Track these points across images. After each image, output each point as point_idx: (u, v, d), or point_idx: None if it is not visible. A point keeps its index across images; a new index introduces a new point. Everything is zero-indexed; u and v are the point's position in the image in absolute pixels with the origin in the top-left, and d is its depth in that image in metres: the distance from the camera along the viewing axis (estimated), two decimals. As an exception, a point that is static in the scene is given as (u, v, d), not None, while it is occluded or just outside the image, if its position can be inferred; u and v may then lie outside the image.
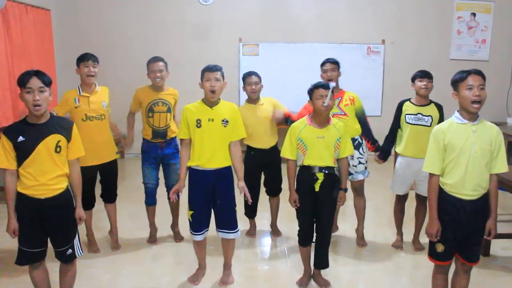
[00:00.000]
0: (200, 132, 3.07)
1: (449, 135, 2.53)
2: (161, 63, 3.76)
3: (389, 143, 3.91)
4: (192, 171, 3.15)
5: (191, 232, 3.22)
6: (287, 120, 3.84)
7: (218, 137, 3.08)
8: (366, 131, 3.86)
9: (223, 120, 3.07)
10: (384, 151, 3.90)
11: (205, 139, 3.07)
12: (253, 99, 3.96)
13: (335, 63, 3.78)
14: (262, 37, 7.11)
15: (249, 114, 3.91)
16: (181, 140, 3.19)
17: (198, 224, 3.18)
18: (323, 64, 3.82)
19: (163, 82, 3.80)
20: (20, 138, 2.49)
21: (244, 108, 3.99)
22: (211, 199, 3.16)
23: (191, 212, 3.17)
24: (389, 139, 3.90)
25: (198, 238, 3.22)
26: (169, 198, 3.95)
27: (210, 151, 3.07)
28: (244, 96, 6.71)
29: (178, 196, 3.59)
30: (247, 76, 3.96)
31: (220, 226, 3.22)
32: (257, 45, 7.11)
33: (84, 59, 3.56)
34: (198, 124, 3.06)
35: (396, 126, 3.83)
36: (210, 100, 3.08)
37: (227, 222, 3.20)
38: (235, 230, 3.22)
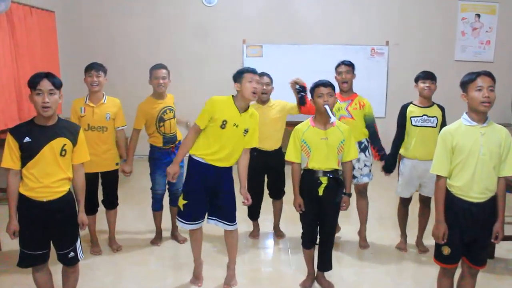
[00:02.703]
0: (222, 133, 3.01)
1: (457, 137, 2.51)
2: (164, 71, 3.79)
3: (394, 155, 3.82)
4: (195, 162, 3.09)
5: (178, 219, 3.16)
6: (302, 89, 3.81)
7: (236, 144, 3.06)
8: (374, 139, 3.87)
9: (245, 130, 3.06)
10: (390, 164, 3.81)
11: (224, 142, 3.03)
12: (262, 100, 3.97)
13: (350, 65, 3.78)
14: (266, 38, 7.11)
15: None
16: (195, 125, 3.06)
17: (191, 214, 3.12)
18: (338, 66, 3.81)
19: (165, 89, 3.81)
20: (27, 139, 2.49)
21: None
22: (209, 193, 3.12)
23: (185, 202, 3.11)
24: (395, 150, 3.81)
25: (190, 227, 3.15)
26: (170, 204, 4.00)
27: (224, 153, 3.05)
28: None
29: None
30: (259, 76, 3.95)
31: (221, 218, 3.16)
32: (261, 46, 7.11)
33: (87, 69, 3.60)
34: (223, 125, 3.00)
35: (401, 134, 3.75)
36: (243, 102, 3.03)
37: (229, 214, 3.16)
38: (234, 223, 3.19)
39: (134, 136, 3.84)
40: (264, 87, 3.91)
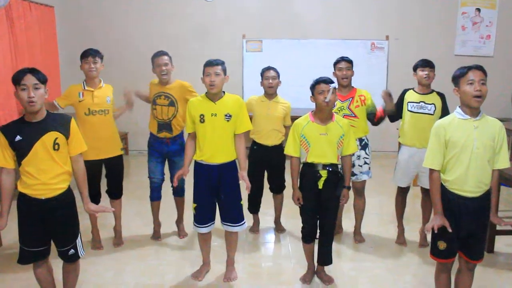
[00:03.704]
0: (203, 127, 3.08)
1: (450, 131, 2.51)
2: (165, 57, 3.77)
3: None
4: (197, 165, 3.17)
5: (194, 224, 3.23)
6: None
7: (221, 132, 3.07)
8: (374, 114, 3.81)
9: (226, 115, 3.06)
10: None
11: (208, 134, 3.07)
12: (269, 93, 3.97)
13: (350, 62, 3.77)
14: (266, 33, 7.10)
15: (260, 107, 3.95)
16: (188, 133, 3.21)
17: (201, 217, 3.19)
18: (337, 62, 3.79)
19: (169, 77, 3.80)
20: (18, 138, 2.47)
21: (258, 99, 4.02)
22: (215, 192, 3.17)
23: (195, 205, 3.19)
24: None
25: (202, 230, 3.22)
26: (174, 194, 4.00)
27: (213, 146, 3.07)
28: (247, 93, 6.77)
29: (183, 189, 3.73)
30: (265, 70, 3.98)
31: (223, 219, 3.23)
32: (261, 41, 7.09)
33: (83, 55, 3.59)
34: (202, 119, 3.07)
35: (397, 108, 3.76)
36: (211, 94, 3.08)
37: (231, 216, 3.20)
38: (239, 224, 3.22)
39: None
40: (270, 81, 3.91)
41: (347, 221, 4.28)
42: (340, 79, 3.76)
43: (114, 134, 3.75)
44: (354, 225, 4.08)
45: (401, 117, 3.82)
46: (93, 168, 3.48)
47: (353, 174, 3.83)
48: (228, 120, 3.07)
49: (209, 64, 3.07)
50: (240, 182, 3.18)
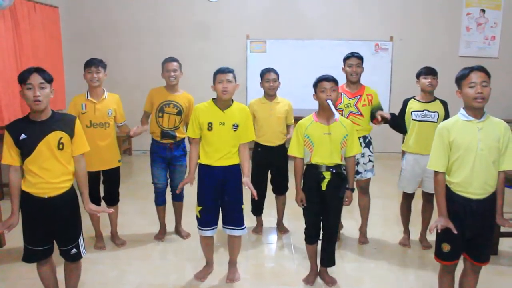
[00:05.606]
0: (210, 135, 3.09)
1: (454, 133, 2.50)
2: (175, 63, 3.80)
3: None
4: (202, 167, 3.17)
5: (199, 228, 3.22)
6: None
7: (227, 141, 3.09)
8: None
9: (233, 125, 3.08)
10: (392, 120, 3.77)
11: (215, 142, 3.09)
12: (269, 95, 3.98)
13: (360, 58, 3.74)
14: (270, 34, 7.11)
15: (262, 109, 3.95)
16: (191, 138, 3.20)
17: (206, 220, 3.19)
18: (347, 58, 3.76)
19: (177, 82, 3.83)
20: (23, 136, 2.48)
21: (258, 101, 4.02)
22: (219, 195, 3.17)
23: (200, 208, 3.18)
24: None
25: (207, 233, 3.22)
26: (173, 199, 4.01)
27: (219, 153, 3.09)
28: (250, 94, 6.77)
29: (182, 193, 3.71)
30: (265, 72, 3.97)
31: (226, 222, 3.23)
32: (265, 42, 7.10)
33: (87, 65, 3.60)
34: (210, 127, 3.07)
35: (401, 118, 3.79)
36: (223, 100, 3.08)
37: (234, 219, 3.20)
38: (241, 228, 3.22)
39: (144, 117, 3.94)
40: (271, 84, 3.92)
41: (350, 222, 4.27)
42: (349, 75, 3.75)
43: (113, 147, 3.75)
44: (360, 226, 4.07)
45: (406, 130, 3.79)
46: (92, 177, 3.49)
47: (358, 172, 3.82)
48: (235, 130, 3.09)
49: (221, 71, 3.08)
50: (245, 188, 3.17)
